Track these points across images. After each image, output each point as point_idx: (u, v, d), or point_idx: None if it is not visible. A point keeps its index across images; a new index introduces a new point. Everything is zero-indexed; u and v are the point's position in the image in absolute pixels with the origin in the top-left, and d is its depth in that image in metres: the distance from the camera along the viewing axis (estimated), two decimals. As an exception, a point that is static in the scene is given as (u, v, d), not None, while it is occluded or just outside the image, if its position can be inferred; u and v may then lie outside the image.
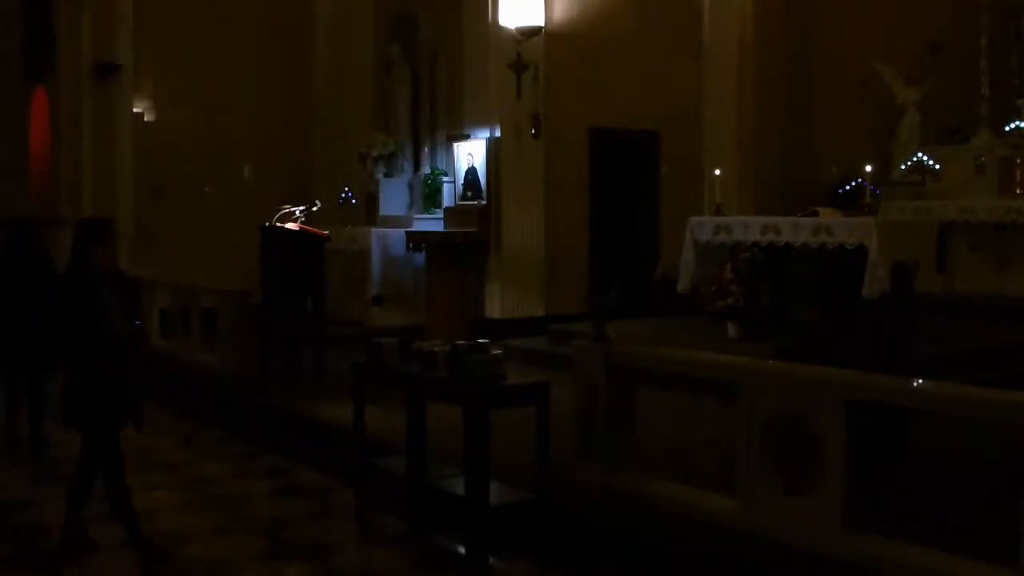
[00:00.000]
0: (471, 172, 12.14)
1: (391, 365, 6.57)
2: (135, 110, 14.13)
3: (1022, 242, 11.15)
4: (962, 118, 12.28)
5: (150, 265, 12.35)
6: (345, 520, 6.81)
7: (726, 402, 6.06)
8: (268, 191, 13.23)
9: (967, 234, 11.50)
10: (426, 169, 13.29)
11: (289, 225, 10.09)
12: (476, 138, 12.12)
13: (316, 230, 10.25)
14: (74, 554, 5.76)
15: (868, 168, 9.60)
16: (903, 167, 12.54)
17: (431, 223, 12.56)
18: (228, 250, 12.50)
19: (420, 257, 11.89)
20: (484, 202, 11.96)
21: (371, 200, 13.43)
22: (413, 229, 12.43)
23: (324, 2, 14.96)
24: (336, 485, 7.19)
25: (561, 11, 12.43)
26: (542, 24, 11.94)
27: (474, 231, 11.79)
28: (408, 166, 13.61)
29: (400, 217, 13.11)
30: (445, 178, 12.65)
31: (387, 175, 13.50)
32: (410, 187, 13.39)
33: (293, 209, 10.23)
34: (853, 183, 12.12)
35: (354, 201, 13.67)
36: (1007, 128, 11.87)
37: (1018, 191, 11.56)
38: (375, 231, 12.68)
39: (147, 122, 14.36)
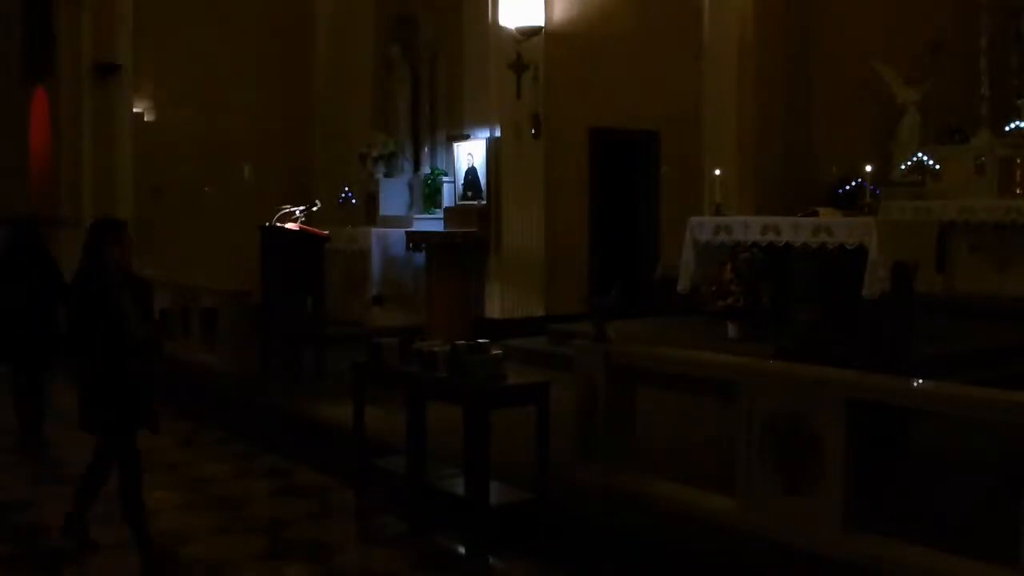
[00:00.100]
0: (471, 172, 12.14)
1: (391, 365, 6.57)
2: (135, 110, 14.12)
3: (1022, 242, 11.15)
4: (962, 118, 12.28)
5: (150, 265, 12.33)
6: (345, 520, 6.81)
7: (726, 402, 6.06)
8: (268, 191, 13.23)
9: (967, 234, 11.50)
10: (426, 169, 13.29)
11: (289, 225, 10.09)
12: (476, 138, 12.12)
13: (316, 230, 10.25)
14: (75, 553, 5.76)
15: (868, 168, 9.60)
16: (903, 167, 12.54)
17: (431, 223, 12.57)
18: (228, 250, 12.51)
19: (420, 257, 11.89)
20: (484, 202, 11.96)
21: (371, 200, 13.43)
22: (413, 229, 12.43)
23: (324, 2, 14.97)
24: (336, 485, 7.19)
25: (561, 11, 12.44)
26: (542, 24, 11.94)
27: (474, 231, 11.79)
28: (408, 166, 13.61)
29: (400, 217, 13.11)
30: (445, 178, 12.65)
31: (387, 175, 13.50)
32: (410, 187, 13.39)
33: (293, 209, 10.23)
34: (853, 183, 12.12)
35: (354, 201, 13.67)
36: (1007, 128, 11.87)
37: (1018, 191, 11.56)
38: (375, 231, 12.69)
39: (147, 122, 14.35)
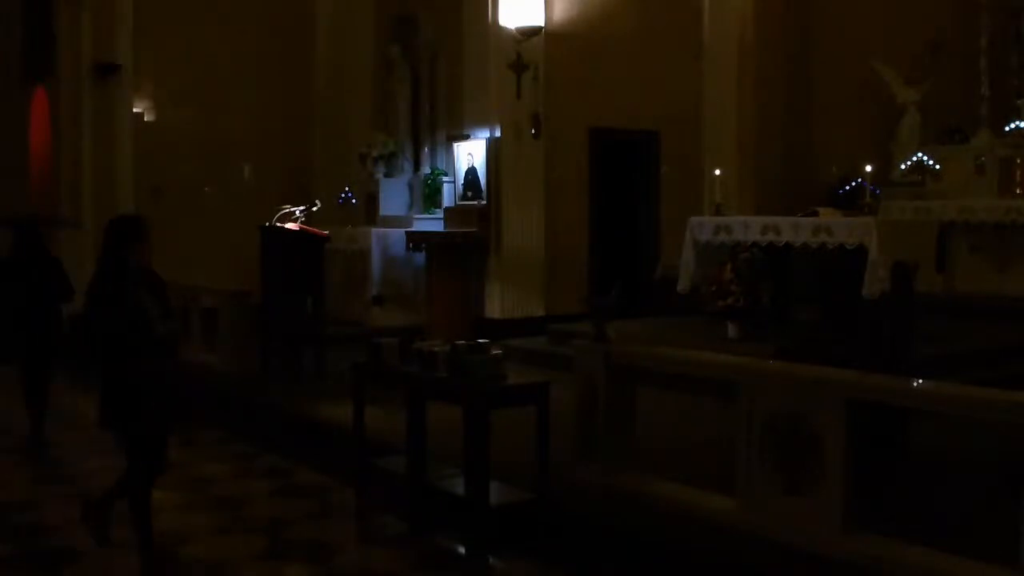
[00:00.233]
0: (471, 172, 12.14)
1: (391, 365, 6.57)
2: (135, 110, 14.12)
3: (1022, 242, 11.15)
4: (962, 118, 12.28)
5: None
6: (345, 520, 6.81)
7: (726, 402, 6.06)
8: (268, 191, 13.23)
9: (967, 234, 11.51)
10: (426, 169, 13.29)
11: (289, 225, 10.10)
12: (476, 138, 12.12)
13: (316, 230, 10.25)
14: (75, 553, 5.76)
15: (868, 168, 9.60)
16: (903, 167, 12.54)
17: (431, 223, 12.57)
18: (228, 250, 12.51)
19: (420, 257, 11.90)
20: (484, 202, 11.96)
21: (371, 200, 13.43)
22: (413, 229, 12.43)
23: (324, 2, 14.96)
24: (336, 485, 7.19)
25: (561, 11, 12.44)
26: (542, 24, 11.94)
27: (474, 231, 11.80)
28: (408, 166, 13.61)
29: (400, 217, 13.11)
30: (445, 178, 12.65)
31: (387, 175, 13.50)
32: (410, 187, 13.39)
33: (293, 209, 10.23)
34: (853, 183, 12.12)
35: (354, 201, 13.67)
36: (1007, 128, 11.87)
37: (1018, 191, 11.57)
38: (375, 231, 12.69)
39: (147, 122, 14.35)
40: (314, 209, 10.63)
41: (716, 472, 5.72)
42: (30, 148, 14.99)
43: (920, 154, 12.37)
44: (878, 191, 11.13)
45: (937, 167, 12.23)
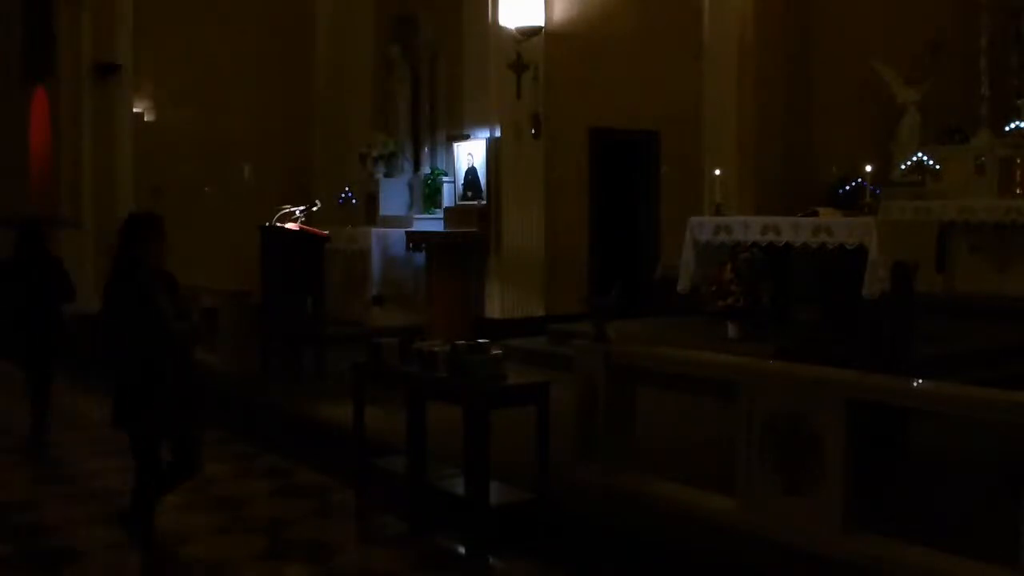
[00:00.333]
0: (471, 172, 12.14)
1: (391, 365, 6.57)
2: (135, 110, 14.13)
3: (1022, 242, 11.15)
4: (962, 118, 12.28)
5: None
6: (345, 520, 6.81)
7: (726, 402, 6.06)
8: (268, 191, 13.23)
9: (967, 234, 11.50)
10: (426, 169, 13.29)
11: (289, 225, 10.10)
12: (476, 138, 12.12)
13: (316, 230, 10.25)
14: (75, 553, 5.76)
15: (868, 168, 9.61)
16: (903, 167, 12.54)
17: (431, 223, 12.57)
18: (228, 250, 12.51)
19: (420, 257, 11.90)
20: (484, 202, 11.96)
21: (371, 200, 13.43)
22: (413, 229, 12.43)
23: (324, 2, 14.97)
24: (336, 485, 7.19)
25: (561, 11, 12.44)
26: (542, 24, 11.94)
27: (474, 231, 11.80)
28: (408, 166, 13.61)
29: (400, 217, 13.11)
30: (445, 178, 12.65)
31: (387, 175, 13.50)
32: (410, 187, 13.39)
33: (293, 209, 10.23)
34: (853, 183, 12.12)
35: (354, 201, 13.67)
36: (1007, 128, 11.86)
37: (1018, 191, 11.56)
38: (375, 231, 12.68)
39: (147, 122, 14.36)
40: (314, 209, 10.63)
41: (716, 472, 5.72)
42: (30, 148, 15.00)
43: (920, 154, 12.37)
44: (878, 191, 11.13)
45: (937, 167, 12.23)
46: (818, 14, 13.97)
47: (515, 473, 6.12)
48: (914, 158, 12.41)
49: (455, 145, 12.41)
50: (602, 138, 12.95)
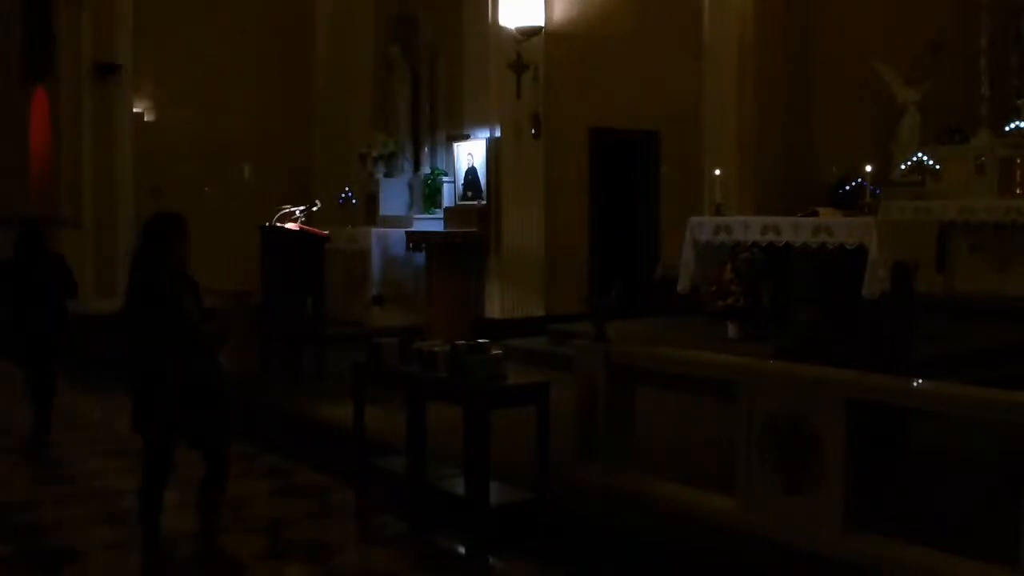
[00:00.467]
0: (471, 172, 12.14)
1: (391, 365, 6.57)
2: (135, 110, 14.13)
3: (1022, 242, 11.15)
4: (962, 118, 12.28)
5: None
6: (345, 520, 6.81)
7: (726, 402, 6.06)
8: (268, 191, 13.23)
9: (967, 234, 11.50)
10: (426, 169, 13.29)
11: (289, 225, 10.10)
12: (476, 138, 12.12)
13: (316, 230, 10.25)
14: (75, 553, 5.76)
15: (868, 168, 9.60)
16: (903, 167, 12.54)
17: (431, 223, 12.57)
18: (228, 250, 12.49)
19: (420, 257, 11.90)
20: (484, 202, 11.96)
21: (371, 200, 13.43)
22: (413, 229, 12.43)
23: (324, 2, 14.96)
24: (336, 485, 7.19)
25: (561, 11, 12.44)
26: (542, 24, 11.94)
27: (474, 231, 11.80)
28: (408, 166, 13.61)
29: (400, 217, 13.11)
30: (445, 178, 12.65)
31: (387, 175, 13.50)
32: (410, 187, 13.39)
33: (293, 209, 10.23)
34: (853, 183, 12.12)
35: (354, 201, 13.67)
36: (1007, 128, 11.86)
37: (1018, 191, 11.57)
38: (375, 231, 12.68)
39: (147, 122, 14.35)
40: (314, 209, 10.63)
41: (716, 472, 5.72)
42: (30, 148, 15.00)
43: (920, 154, 12.37)
44: (878, 191, 11.13)
45: (937, 167, 12.23)
46: (818, 14, 13.97)
47: (515, 473, 6.12)
48: (914, 158, 12.41)
49: (455, 145, 12.41)
50: (602, 138, 12.95)
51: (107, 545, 5.90)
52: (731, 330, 9.15)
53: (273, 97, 14.71)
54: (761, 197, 12.99)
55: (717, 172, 10.82)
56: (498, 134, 11.94)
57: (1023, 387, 4.79)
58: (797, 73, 13.94)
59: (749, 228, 9.43)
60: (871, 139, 12.89)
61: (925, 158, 12.32)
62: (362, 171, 13.70)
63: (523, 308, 11.98)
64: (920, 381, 5.07)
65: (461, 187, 12.29)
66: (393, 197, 13.35)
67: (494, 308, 11.94)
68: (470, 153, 12.15)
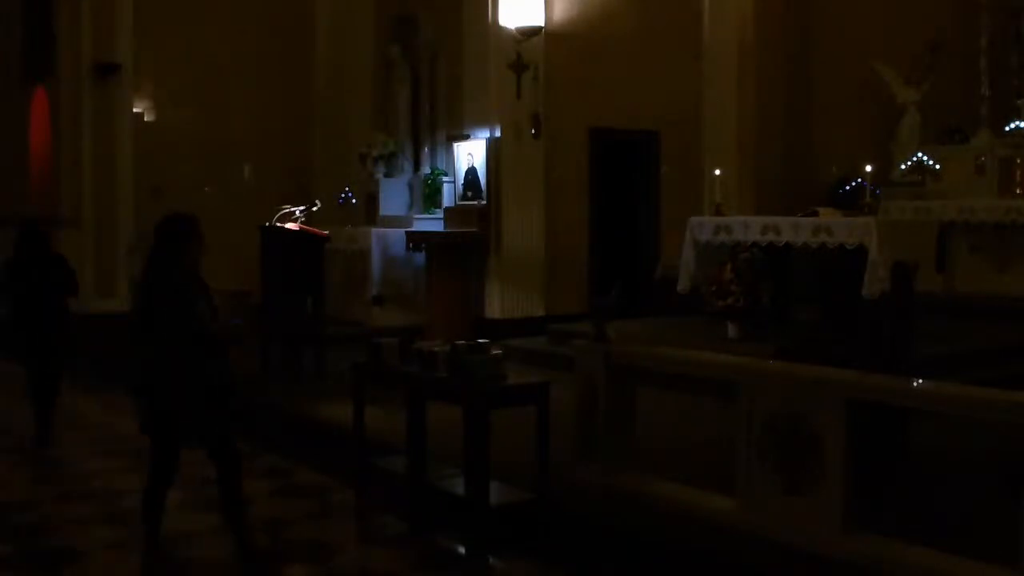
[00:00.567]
0: (471, 172, 12.14)
1: (391, 365, 6.57)
2: (135, 110, 14.13)
3: (1022, 242, 11.15)
4: (962, 118, 12.29)
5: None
6: (345, 520, 6.81)
7: (726, 402, 6.06)
8: (268, 191, 13.23)
9: (967, 234, 11.51)
10: (426, 169, 13.29)
11: (289, 225, 10.10)
12: (476, 138, 12.12)
13: (316, 230, 10.25)
14: (75, 553, 5.76)
15: (868, 168, 9.60)
16: (903, 167, 12.55)
17: (431, 223, 12.57)
18: (228, 250, 12.47)
19: (420, 257, 11.89)
20: (484, 202, 11.96)
21: (371, 200, 13.43)
22: (413, 229, 12.43)
23: (324, 2, 14.97)
24: (336, 485, 7.19)
25: (561, 11, 12.44)
26: (542, 24, 11.94)
27: (474, 231, 11.80)
28: (408, 166, 13.61)
29: (400, 217, 13.11)
30: (445, 178, 12.65)
31: (387, 175, 13.50)
32: (410, 187, 13.39)
33: (293, 209, 10.24)
34: (853, 183, 12.12)
35: (354, 201, 13.68)
36: (1007, 128, 11.87)
37: (1018, 191, 11.57)
38: (375, 231, 12.68)
39: (147, 122, 14.36)
40: (314, 209, 10.63)
41: (716, 472, 5.72)
42: (30, 148, 15.00)
43: (920, 154, 12.37)
44: (878, 191, 11.14)
45: (937, 167, 12.23)
46: (818, 14, 13.98)
47: (515, 473, 6.12)
48: (914, 158, 12.41)
49: (455, 145, 12.41)
50: (602, 138, 12.95)
51: (107, 545, 5.90)
52: (731, 330, 9.15)
53: (273, 97, 14.71)
54: (761, 197, 13.00)
55: (717, 172, 10.82)
56: (498, 134, 11.94)
57: (1023, 387, 4.79)
58: (797, 73, 13.95)
59: (749, 228, 9.43)
60: (871, 139, 12.89)
61: (925, 158, 12.32)
62: (362, 171, 13.70)
63: (523, 308, 11.99)
64: (920, 381, 5.07)
65: (461, 187, 12.29)
66: (393, 197, 13.35)
67: (494, 308, 11.94)
68: (470, 153, 12.16)
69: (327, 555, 5.84)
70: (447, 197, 12.51)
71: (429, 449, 6.47)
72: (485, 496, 5.83)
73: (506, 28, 11.77)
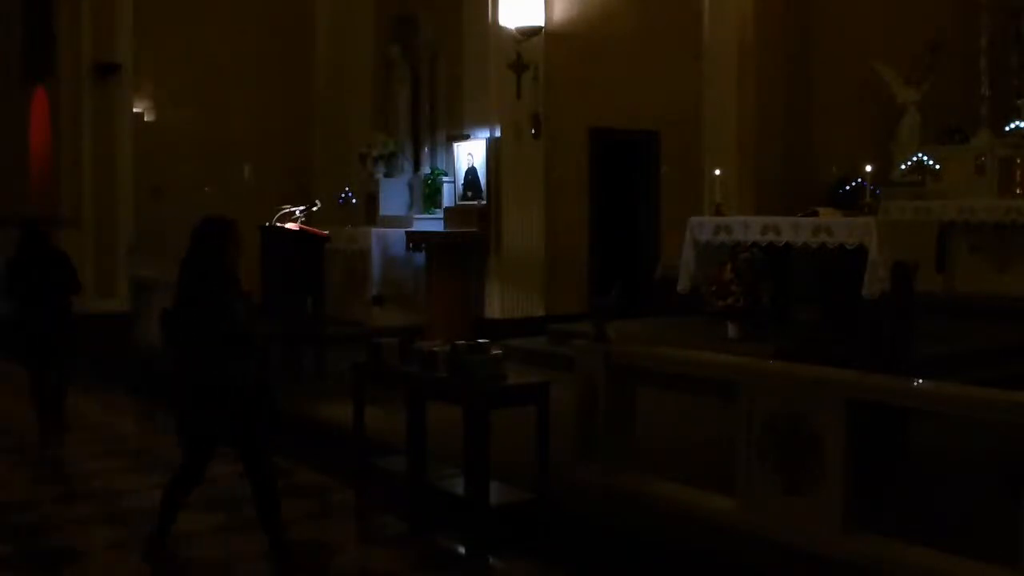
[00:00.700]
0: (471, 172, 12.14)
1: (391, 365, 6.57)
2: (135, 110, 14.12)
3: (1022, 242, 11.15)
4: (962, 118, 12.29)
5: (150, 265, 12.35)
6: (345, 520, 6.81)
7: (726, 402, 6.06)
8: (268, 191, 13.22)
9: (967, 234, 11.50)
10: (426, 169, 13.29)
11: (289, 225, 10.10)
12: (476, 138, 12.12)
13: (316, 230, 10.26)
14: (75, 553, 5.75)
15: (868, 168, 9.60)
16: (903, 167, 12.54)
17: (431, 223, 12.57)
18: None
19: (420, 257, 11.89)
20: (484, 202, 11.96)
21: (371, 200, 13.43)
22: (413, 229, 12.43)
23: (324, 2, 14.97)
24: (336, 485, 7.19)
25: (561, 11, 12.44)
26: (542, 24, 11.94)
27: (474, 231, 11.80)
28: (408, 166, 13.61)
29: (400, 217, 13.11)
30: (445, 178, 12.65)
31: (387, 175, 13.50)
32: (410, 187, 13.39)
33: (293, 209, 10.24)
34: (853, 183, 12.12)
35: (354, 201, 13.67)
36: (1007, 128, 11.87)
37: (1018, 191, 11.57)
38: (375, 231, 12.68)
39: (147, 122, 14.35)
40: (314, 209, 10.63)
41: (716, 472, 5.72)
42: (30, 148, 14.99)
43: (920, 154, 12.37)
44: (878, 191, 11.13)
45: (937, 167, 12.23)
46: (818, 14, 13.98)
47: (515, 473, 6.12)
48: (914, 158, 12.41)
49: (455, 145, 12.41)
50: (602, 138, 12.95)
51: (107, 545, 5.90)
52: (731, 330, 9.15)
53: (273, 97, 14.70)
54: (761, 197, 13.00)
55: (717, 172, 10.82)
56: (498, 134, 11.94)
57: (1023, 387, 4.79)
58: (797, 73, 13.95)
59: (749, 228, 9.43)
60: (871, 139, 12.89)
61: (925, 158, 12.32)
62: (362, 171, 13.70)
63: (523, 308, 11.99)
64: (920, 381, 5.07)
65: (461, 187, 12.29)
66: (393, 197, 13.35)
67: (494, 308, 11.94)
68: (470, 153, 12.16)
69: (327, 555, 5.84)
70: (447, 197, 12.51)
71: (429, 449, 6.48)
72: (485, 496, 5.83)
73: (506, 28, 11.77)
